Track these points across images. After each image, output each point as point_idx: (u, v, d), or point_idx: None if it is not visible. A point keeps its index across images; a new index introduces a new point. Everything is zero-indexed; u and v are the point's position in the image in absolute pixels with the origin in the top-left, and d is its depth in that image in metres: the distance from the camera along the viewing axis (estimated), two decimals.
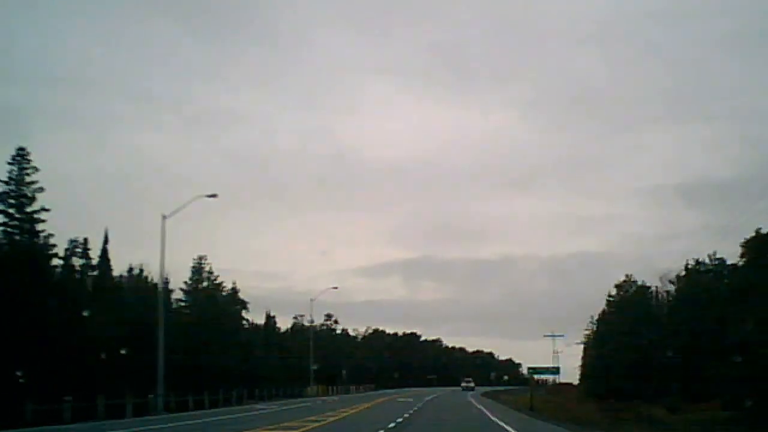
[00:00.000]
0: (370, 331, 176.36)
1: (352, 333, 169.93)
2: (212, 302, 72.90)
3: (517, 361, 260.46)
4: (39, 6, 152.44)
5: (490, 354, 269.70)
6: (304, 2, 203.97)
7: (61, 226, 50.27)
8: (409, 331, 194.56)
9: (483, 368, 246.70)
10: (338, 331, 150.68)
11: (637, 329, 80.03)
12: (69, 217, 65.90)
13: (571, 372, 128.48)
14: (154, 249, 64.19)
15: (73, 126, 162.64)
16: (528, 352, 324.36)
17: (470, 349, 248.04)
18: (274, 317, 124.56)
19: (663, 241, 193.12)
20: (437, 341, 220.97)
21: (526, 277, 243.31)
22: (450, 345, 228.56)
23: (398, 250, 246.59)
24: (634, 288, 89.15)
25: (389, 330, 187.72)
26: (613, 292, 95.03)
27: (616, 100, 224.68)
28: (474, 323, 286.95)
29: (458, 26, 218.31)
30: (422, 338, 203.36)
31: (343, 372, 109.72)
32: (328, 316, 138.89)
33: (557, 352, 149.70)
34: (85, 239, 55.56)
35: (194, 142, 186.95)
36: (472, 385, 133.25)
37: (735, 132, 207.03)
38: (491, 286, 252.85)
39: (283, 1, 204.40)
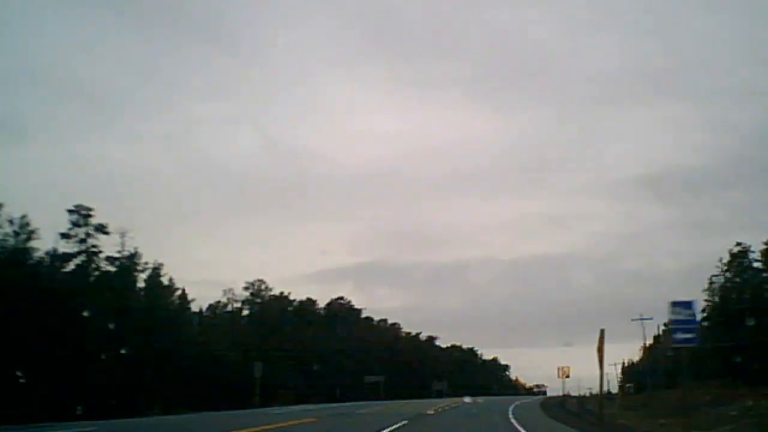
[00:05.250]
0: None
1: (224, 300, 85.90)
2: None
3: (503, 362, 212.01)
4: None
5: (471, 350, 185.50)
6: (261, 4, 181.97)
7: None
8: (337, 296, 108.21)
9: (463, 369, 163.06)
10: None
11: None
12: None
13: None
14: None
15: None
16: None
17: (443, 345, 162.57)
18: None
19: (629, 238, 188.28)
20: (395, 325, 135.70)
21: (486, 282, 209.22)
22: (413, 332, 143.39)
23: (352, 255, 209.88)
24: None
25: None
26: None
27: (569, 78, 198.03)
28: (435, 329, 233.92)
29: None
30: (366, 315, 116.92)
31: None
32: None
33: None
34: None
35: (149, 148, 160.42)
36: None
37: (706, 113, 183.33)
38: (450, 291, 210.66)
39: (239, 3, 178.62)
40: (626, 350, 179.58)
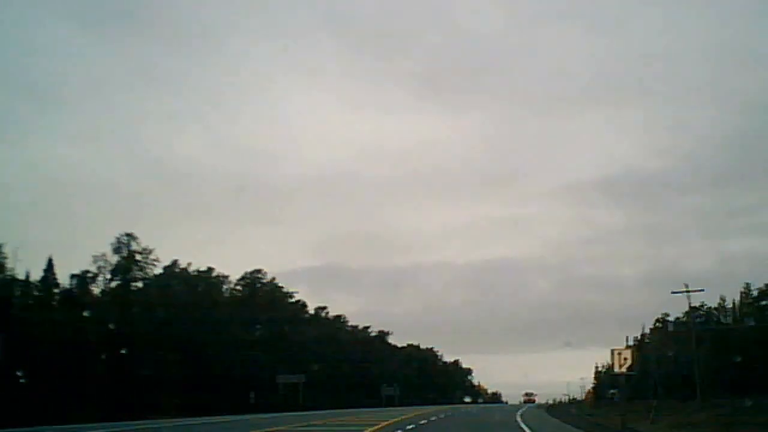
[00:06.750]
0: None
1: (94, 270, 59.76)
2: None
3: (465, 365, 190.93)
4: None
5: (431, 351, 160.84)
6: (214, 6, 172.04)
7: None
8: (252, 270, 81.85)
9: (421, 372, 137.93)
10: None
11: None
12: None
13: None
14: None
15: None
16: None
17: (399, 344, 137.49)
18: None
19: (587, 243, 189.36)
20: (339, 318, 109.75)
21: (444, 287, 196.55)
22: (361, 325, 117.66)
23: (306, 258, 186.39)
24: None
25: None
26: None
27: (528, 77, 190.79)
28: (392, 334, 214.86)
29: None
30: (298, 299, 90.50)
31: None
32: None
33: None
34: None
35: (102, 150, 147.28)
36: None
37: (665, 115, 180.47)
38: (407, 296, 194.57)
39: (194, 4, 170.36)
40: (589, 356, 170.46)
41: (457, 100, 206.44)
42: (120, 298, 59.19)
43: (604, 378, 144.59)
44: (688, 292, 57.82)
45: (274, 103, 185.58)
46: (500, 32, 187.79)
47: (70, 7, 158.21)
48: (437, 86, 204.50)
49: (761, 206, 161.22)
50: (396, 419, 32.65)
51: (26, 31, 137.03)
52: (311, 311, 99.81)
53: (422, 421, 32.41)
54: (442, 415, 41.80)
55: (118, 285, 60.58)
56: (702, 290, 60.83)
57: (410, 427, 27.43)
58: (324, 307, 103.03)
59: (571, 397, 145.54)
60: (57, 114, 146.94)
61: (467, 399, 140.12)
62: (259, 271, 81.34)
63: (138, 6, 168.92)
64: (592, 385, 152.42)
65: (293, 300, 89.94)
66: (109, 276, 64.59)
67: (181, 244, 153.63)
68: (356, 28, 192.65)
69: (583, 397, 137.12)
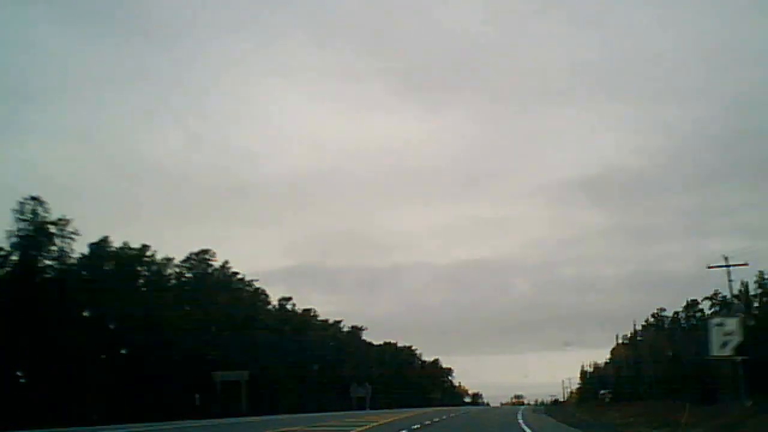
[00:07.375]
0: None
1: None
2: None
3: (445, 365, 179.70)
4: None
5: (409, 349, 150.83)
6: (195, 6, 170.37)
7: None
8: (198, 248, 70.39)
9: (399, 371, 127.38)
10: None
11: None
12: None
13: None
14: None
15: None
16: None
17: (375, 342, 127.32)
18: None
19: (569, 243, 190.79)
20: (309, 312, 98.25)
21: (423, 287, 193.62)
22: (332, 319, 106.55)
23: (284, 258, 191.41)
24: None
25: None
26: None
27: (508, 73, 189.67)
28: (370, 334, 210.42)
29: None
30: (258, 287, 79.06)
31: None
32: None
33: None
34: None
35: (75, 149, 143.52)
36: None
37: (648, 114, 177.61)
38: (387, 296, 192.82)
39: (174, 5, 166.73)
40: (573, 356, 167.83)
41: (438, 99, 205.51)
42: (23, 279, 47.57)
43: (595, 376, 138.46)
44: (727, 266, 47.74)
45: (253, 102, 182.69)
46: (481, 29, 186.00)
47: (52, 6, 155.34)
48: (418, 85, 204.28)
49: (745, 206, 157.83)
50: None
51: (8, 29, 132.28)
52: (275, 303, 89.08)
53: None
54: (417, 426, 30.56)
55: (20, 262, 48.90)
56: (746, 264, 50.93)
57: None
58: (288, 298, 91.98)
59: (554, 398, 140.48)
60: (42, 112, 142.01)
61: (467, 399, 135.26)
62: (206, 251, 69.92)
63: (119, 6, 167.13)
64: (578, 386, 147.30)
65: (251, 289, 78.53)
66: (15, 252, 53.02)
67: (161, 243, 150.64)
68: (336, 27, 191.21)
69: (569, 398, 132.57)
